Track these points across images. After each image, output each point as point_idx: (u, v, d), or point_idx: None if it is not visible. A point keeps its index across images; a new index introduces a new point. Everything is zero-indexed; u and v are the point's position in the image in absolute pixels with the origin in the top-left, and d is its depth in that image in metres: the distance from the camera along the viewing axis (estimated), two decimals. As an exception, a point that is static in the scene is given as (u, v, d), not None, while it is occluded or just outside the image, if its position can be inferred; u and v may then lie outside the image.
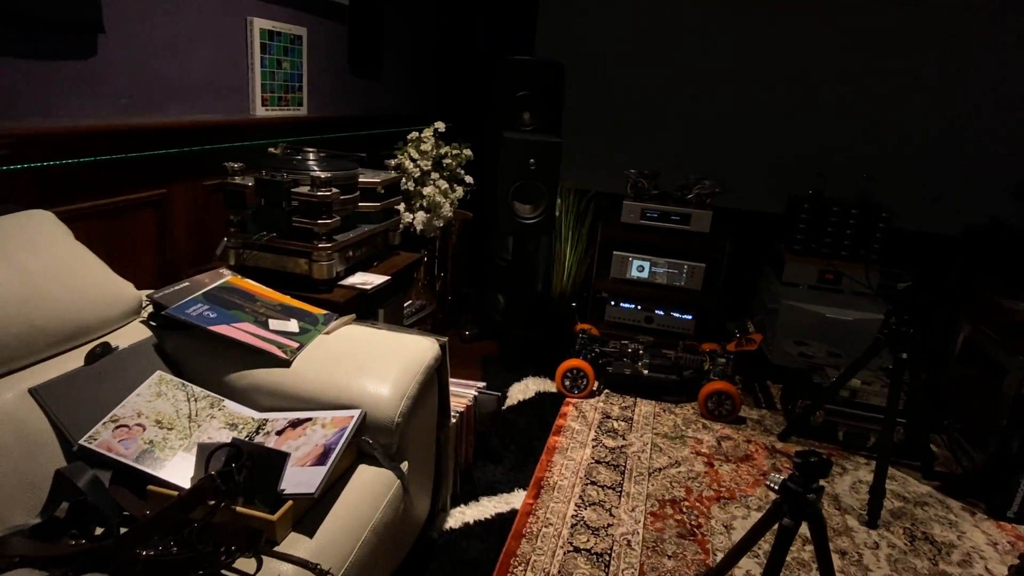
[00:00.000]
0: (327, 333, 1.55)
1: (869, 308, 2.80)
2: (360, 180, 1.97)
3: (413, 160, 2.63)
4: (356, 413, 1.32)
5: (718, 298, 2.99)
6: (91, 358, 1.28)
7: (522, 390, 2.52)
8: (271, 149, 2.05)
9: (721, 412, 2.48)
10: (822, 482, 1.25)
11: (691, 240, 2.97)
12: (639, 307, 3.10)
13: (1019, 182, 2.72)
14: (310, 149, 1.92)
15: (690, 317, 3.05)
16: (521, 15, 3.55)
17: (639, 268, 3.05)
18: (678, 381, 2.61)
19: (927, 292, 2.60)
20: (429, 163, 2.64)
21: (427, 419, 1.59)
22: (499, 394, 1.96)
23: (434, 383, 1.60)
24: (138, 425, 1.22)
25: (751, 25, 3.38)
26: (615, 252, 3.06)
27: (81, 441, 1.15)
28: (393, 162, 2.24)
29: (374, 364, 1.44)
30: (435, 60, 3.62)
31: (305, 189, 1.72)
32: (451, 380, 2.01)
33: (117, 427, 1.20)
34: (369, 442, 1.33)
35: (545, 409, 2.43)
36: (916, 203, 3.35)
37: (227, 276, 1.62)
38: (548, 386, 2.60)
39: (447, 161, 2.73)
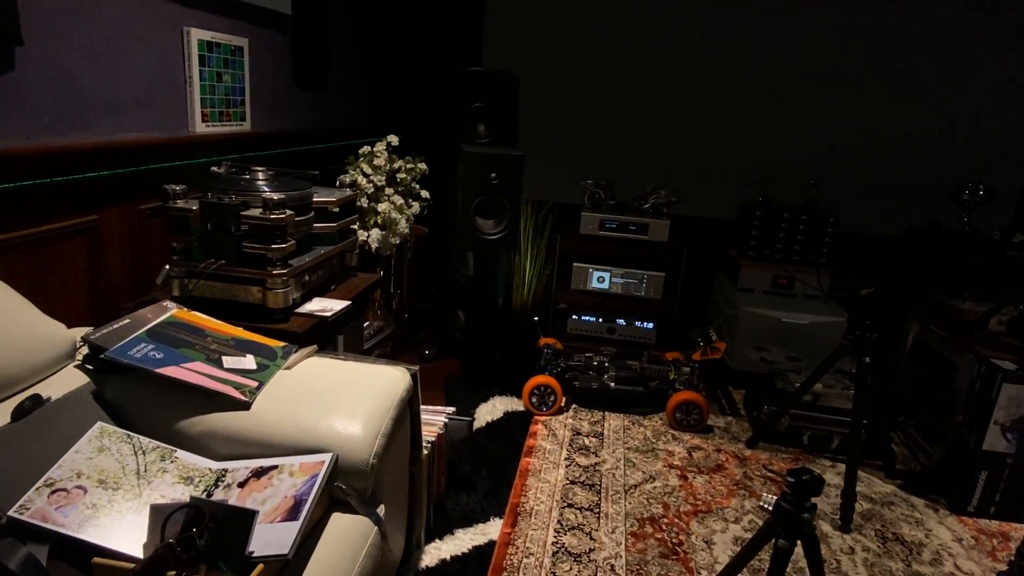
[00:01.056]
0: (287, 368, 1.44)
1: (822, 311, 2.87)
2: (314, 200, 1.86)
3: (366, 175, 2.52)
4: (327, 457, 1.21)
5: (678, 306, 3.00)
6: (18, 413, 1.13)
7: (489, 411, 2.44)
8: (214, 168, 1.91)
9: (689, 422, 2.47)
10: (814, 500, 1.23)
11: (649, 250, 2.97)
12: (600, 318, 3.08)
13: (956, 184, 2.85)
14: (258, 168, 1.79)
15: (651, 326, 3.05)
16: (467, 26, 3.49)
17: (599, 279, 3.03)
18: (645, 392, 2.59)
19: (889, 297, 2.68)
20: (383, 178, 2.54)
21: (400, 455, 1.50)
22: (470, 419, 1.89)
23: (406, 416, 1.51)
24: (78, 487, 1.08)
25: (698, 34, 3.44)
26: (575, 264, 3.03)
27: (10, 512, 1.01)
28: (346, 178, 2.13)
29: (343, 400, 1.33)
30: (383, 72, 3.52)
31: (256, 212, 1.60)
32: (422, 408, 1.91)
33: (53, 492, 1.06)
34: (343, 488, 1.23)
35: (515, 429, 2.37)
36: (862, 207, 3.48)
37: (172, 309, 1.48)
38: (515, 405, 2.54)
39: (401, 176, 2.63)
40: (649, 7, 3.43)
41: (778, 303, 2.93)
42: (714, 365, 2.72)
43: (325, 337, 1.82)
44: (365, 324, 2.53)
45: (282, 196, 1.61)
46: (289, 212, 1.63)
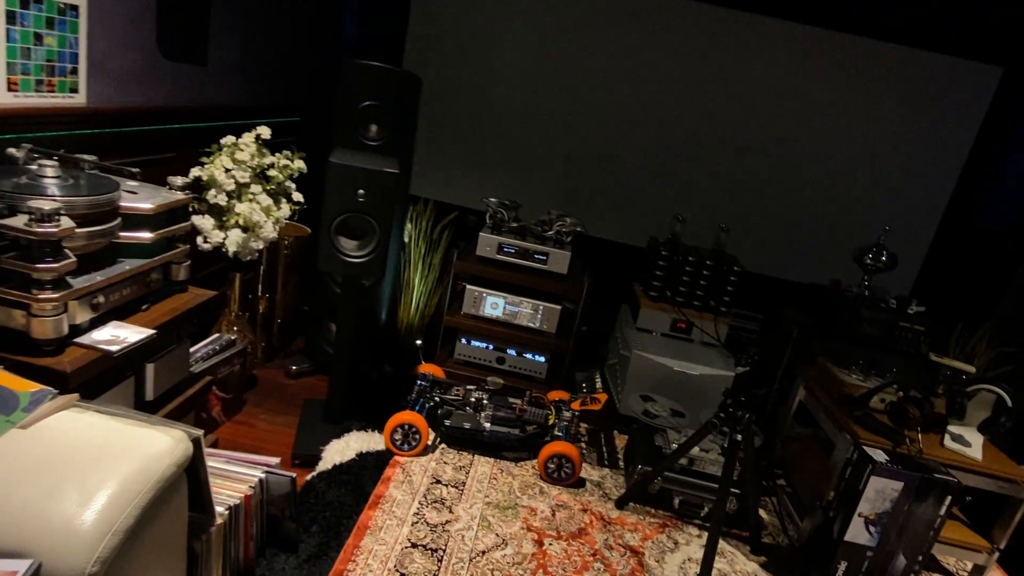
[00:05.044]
0: (23, 427, 1.15)
1: (716, 363, 2.77)
2: (123, 205, 1.55)
3: (227, 170, 2.21)
4: (22, 568, 0.94)
5: (572, 342, 2.83)
6: None
7: (340, 450, 2.19)
8: (11, 150, 1.58)
9: (561, 475, 2.31)
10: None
11: (548, 280, 2.78)
12: (491, 346, 2.88)
13: (860, 247, 2.79)
14: (48, 163, 1.47)
15: (543, 360, 2.87)
16: (392, 14, 3.20)
17: (493, 305, 2.82)
18: (520, 437, 2.41)
19: (765, 377, 2.58)
20: (247, 175, 2.23)
21: (166, 538, 1.24)
22: (291, 476, 1.64)
23: (177, 492, 1.25)
24: None
25: (627, 61, 3.27)
26: (468, 286, 2.81)
27: None
28: (177, 180, 1.81)
29: (78, 479, 1.06)
30: (292, 53, 3.17)
31: (22, 221, 1.29)
32: (234, 456, 1.66)
33: None
34: (39, 608, 0.96)
35: (365, 474, 2.13)
36: (769, 255, 3.42)
37: None
38: (375, 442, 2.30)
39: (273, 173, 2.33)
40: (585, 29, 3.23)
41: (674, 348, 2.81)
42: (594, 415, 2.57)
43: (118, 373, 1.53)
44: (208, 341, 2.23)
45: (57, 204, 1.30)
46: (68, 223, 1.33)
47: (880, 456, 1.93)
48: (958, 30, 3.20)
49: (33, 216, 1.27)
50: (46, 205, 1.28)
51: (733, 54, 3.23)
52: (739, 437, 1.88)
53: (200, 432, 1.26)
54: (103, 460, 1.12)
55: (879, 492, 1.91)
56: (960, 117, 3.29)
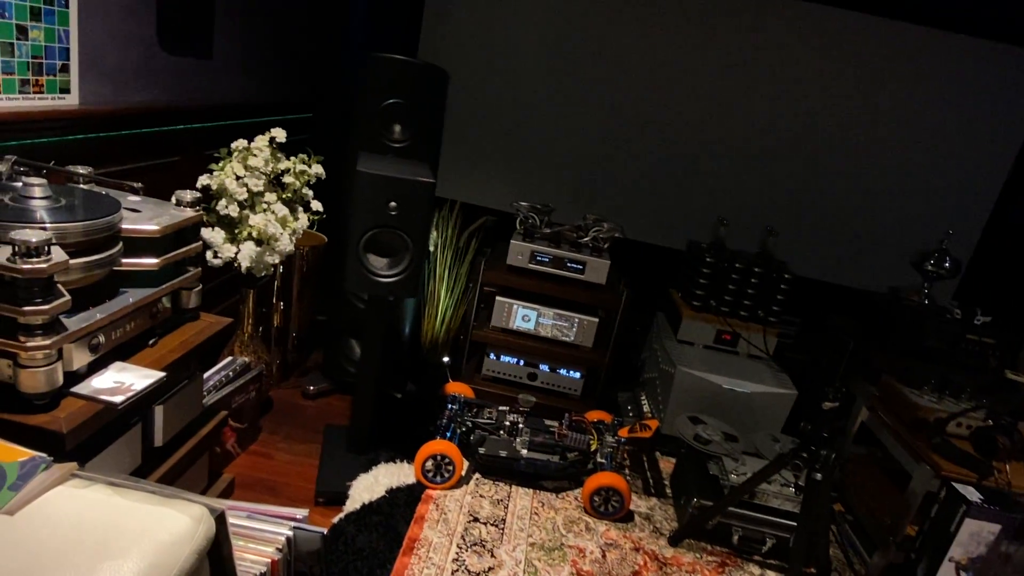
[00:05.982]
0: (9, 512, 0.95)
1: (767, 378, 2.56)
2: (125, 227, 1.34)
3: (239, 177, 1.99)
4: None
5: (610, 357, 2.62)
6: None
7: (369, 487, 1.99)
8: (-7, 162, 1.36)
9: (608, 509, 2.11)
10: None
11: (584, 291, 2.57)
12: (522, 361, 2.67)
13: (920, 252, 2.58)
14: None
15: (578, 376, 2.67)
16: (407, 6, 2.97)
17: (524, 317, 2.61)
18: (561, 465, 2.21)
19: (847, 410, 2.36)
20: (261, 183, 2.01)
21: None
22: (321, 531, 1.44)
23: (202, 570, 1.05)
24: None
25: (663, 55, 3.03)
26: (498, 298, 2.60)
27: None
28: (204, 179, 1.60)
29: (78, 584, 0.86)
30: (305, 45, 2.94)
31: (4, 256, 1.07)
32: (256, 510, 1.46)
33: None
34: None
35: (397, 513, 1.93)
36: (818, 258, 3.21)
37: None
38: (405, 475, 2.10)
39: (289, 180, 2.11)
40: (615, 22, 2.99)
41: (719, 363, 2.60)
42: (643, 443, 2.37)
43: (129, 415, 1.33)
44: (221, 366, 2.02)
45: (46, 235, 1.09)
46: (58, 258, 1.11)
47: (974, 495, 1.73)
48: (1015, 15, 2.97)
49: (18, 250, 1.05)
50: (33, 236, 1.06)
51: (778, 44, 3.00)
52: (819, 476, 1.68)
53: (224, 506, 1.06)
54: (108, 554, 0.91)
55: (973, 535, 1.72)
56: (1014, 108, 3.07)
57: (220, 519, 1.06)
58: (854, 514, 2.33)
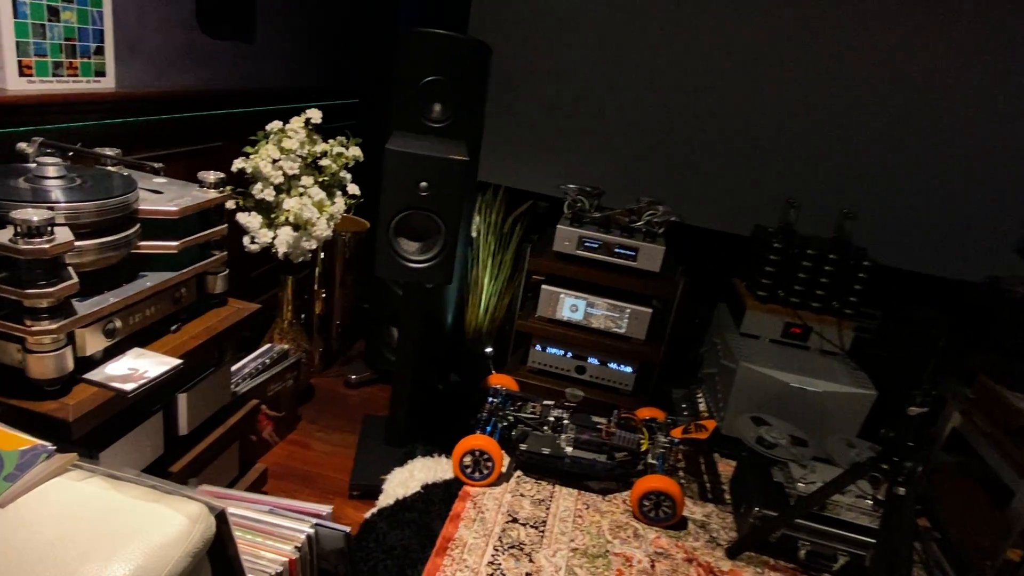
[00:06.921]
0: (1, 505, 0.90)
1: (840, 376, 2.32)
2: (143, 208, 1.29)
3: (274, 160, 1.94)
4: None
5: (665, 350, 2.44)
6: None
7: (403, 481, 1.90)
8: (22, 145, 1.35)
9: (659, 515, 1.95)
10: None
11: (637, 279, 2.40)
12: (570, 353, 2.53)
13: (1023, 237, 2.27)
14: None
15: (630, 370, 2.50)
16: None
17: (572, 307, 2.47)
18: (608, 465, 2.06)
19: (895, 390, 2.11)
20: (296, 165, 1.95)
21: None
22: (345, 530, 1.36)
23: (202, 571, 0.98)
24: None
25: (727, 26, 2.80)
26: (544, 286, 2.47)
27: None
28: (239, 162, 1.54)
29: (60, 586, 0.80)
30: (351, 23, 2.89)
31: (7, 236, 1.03)
32: (279, 505, 1.39)
33: None
34: None
35: (432, 510, 1.84)
36: (902, 245, 2.90)
37: None
38: (442, 470, 2.00)
39: (325, 163, 2.05)
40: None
41: (787, 359, 2.38)
42: (699, 444, 2.19)
43: (150, 403, 1.29)
44: (258, 354, 1.99)
45: (48, 215, 1.04)
46: (62, 239, 1.06)
47: (1095, 520, 1.47)
48: None
49: (19, 230, 1.01)
50: (35, 215, 1.02)
51: (860, 13, 2.70)
52: (902, 491, 1.46)
53: (222, 507, 0.98)
54: (94, 555, 0.85)
55: (1094, 567, 1.46)
56: None
57: (221, 518, 0.99)
58: (942, 531, 2.07)
